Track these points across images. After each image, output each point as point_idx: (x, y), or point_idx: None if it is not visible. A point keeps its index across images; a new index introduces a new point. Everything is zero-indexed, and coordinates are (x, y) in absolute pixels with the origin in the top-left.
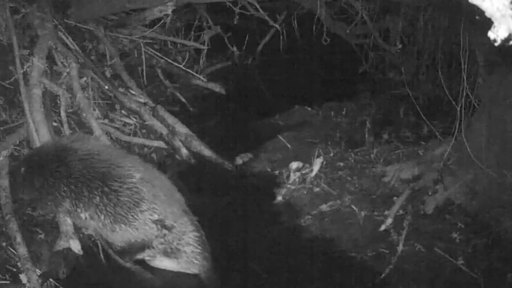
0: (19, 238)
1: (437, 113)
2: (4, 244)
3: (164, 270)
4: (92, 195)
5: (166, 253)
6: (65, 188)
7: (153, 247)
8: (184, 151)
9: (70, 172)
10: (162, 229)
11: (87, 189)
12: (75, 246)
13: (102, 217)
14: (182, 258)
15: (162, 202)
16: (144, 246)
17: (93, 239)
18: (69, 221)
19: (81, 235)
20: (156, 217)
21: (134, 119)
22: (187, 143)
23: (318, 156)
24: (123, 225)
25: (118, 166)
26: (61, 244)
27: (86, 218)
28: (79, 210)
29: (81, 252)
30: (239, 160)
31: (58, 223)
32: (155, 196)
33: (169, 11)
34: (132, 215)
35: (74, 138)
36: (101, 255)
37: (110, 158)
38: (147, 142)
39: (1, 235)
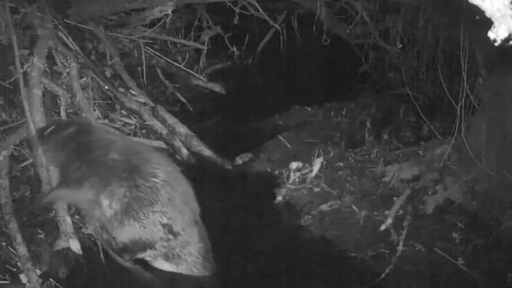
0: (19, 238)
1: (437, 113)
2: (4, 244)
3: (164, 270)
4: (118, 185)
5: (167, 257)
6: (101, 177)
7: (155, 249)
8: (184, 151)
9: (111, 164)
10: (168, 234)
11: (117, 179)
12: (75, 245)
13: (118, 207)
14: (182, 265)
15: (175, 208)
16: (146, 246)
17: (93, 239)
18: (68, 220)
19: (81, 235)
20: (165, 220)
21: (134, 119)
22: (187, 143)
23: (318, 156)
24: (131, 220)
25: (147, 161)
26: (61, 244)
27: (106, 206)
28: (102, 196)
29: (80, 252)
30: (239, 160)
31: (57, 223)
32: (170, 200)
33: (169, 11)
34: (144, 213)
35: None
36: (101, 255)
37: (142, 152)
38: (147, 142)
39: (1, 235)
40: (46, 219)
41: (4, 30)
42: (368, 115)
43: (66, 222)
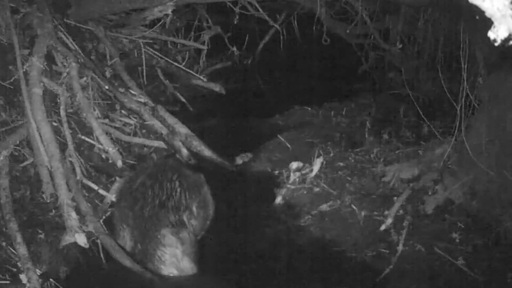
0: (19, 238)
1: (437, 113)
2: (4, 244)
3: None
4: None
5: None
6: None
7: None
8: (184, 151)
9: None
10: None
11: None
12: (81, 240)
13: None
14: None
15: None
16: None
17: (93, 238)
18: (73, 215)
19: None
20: None
21: (134, 119)
22: (187, 143)
23: (318, 156)
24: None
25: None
26: (67, 239)
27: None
28: None
29: (87, 246)
30: (239, 160)
31: (63, 217)
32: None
33: (169, 11)
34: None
35: None
36: (101, 255)
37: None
38: (147, 142)
39: (1, 235)
40: (46, 219)
41: (4, 30)
42: (368, 115)
43: (71, 217)
